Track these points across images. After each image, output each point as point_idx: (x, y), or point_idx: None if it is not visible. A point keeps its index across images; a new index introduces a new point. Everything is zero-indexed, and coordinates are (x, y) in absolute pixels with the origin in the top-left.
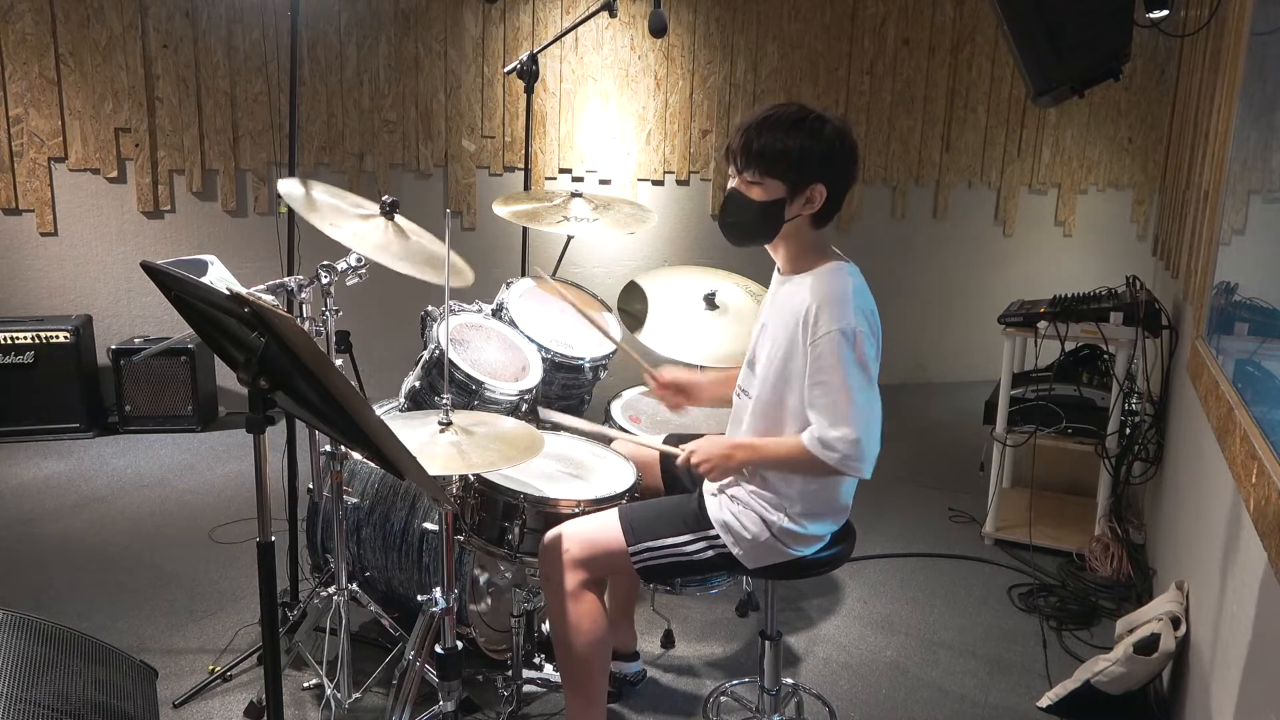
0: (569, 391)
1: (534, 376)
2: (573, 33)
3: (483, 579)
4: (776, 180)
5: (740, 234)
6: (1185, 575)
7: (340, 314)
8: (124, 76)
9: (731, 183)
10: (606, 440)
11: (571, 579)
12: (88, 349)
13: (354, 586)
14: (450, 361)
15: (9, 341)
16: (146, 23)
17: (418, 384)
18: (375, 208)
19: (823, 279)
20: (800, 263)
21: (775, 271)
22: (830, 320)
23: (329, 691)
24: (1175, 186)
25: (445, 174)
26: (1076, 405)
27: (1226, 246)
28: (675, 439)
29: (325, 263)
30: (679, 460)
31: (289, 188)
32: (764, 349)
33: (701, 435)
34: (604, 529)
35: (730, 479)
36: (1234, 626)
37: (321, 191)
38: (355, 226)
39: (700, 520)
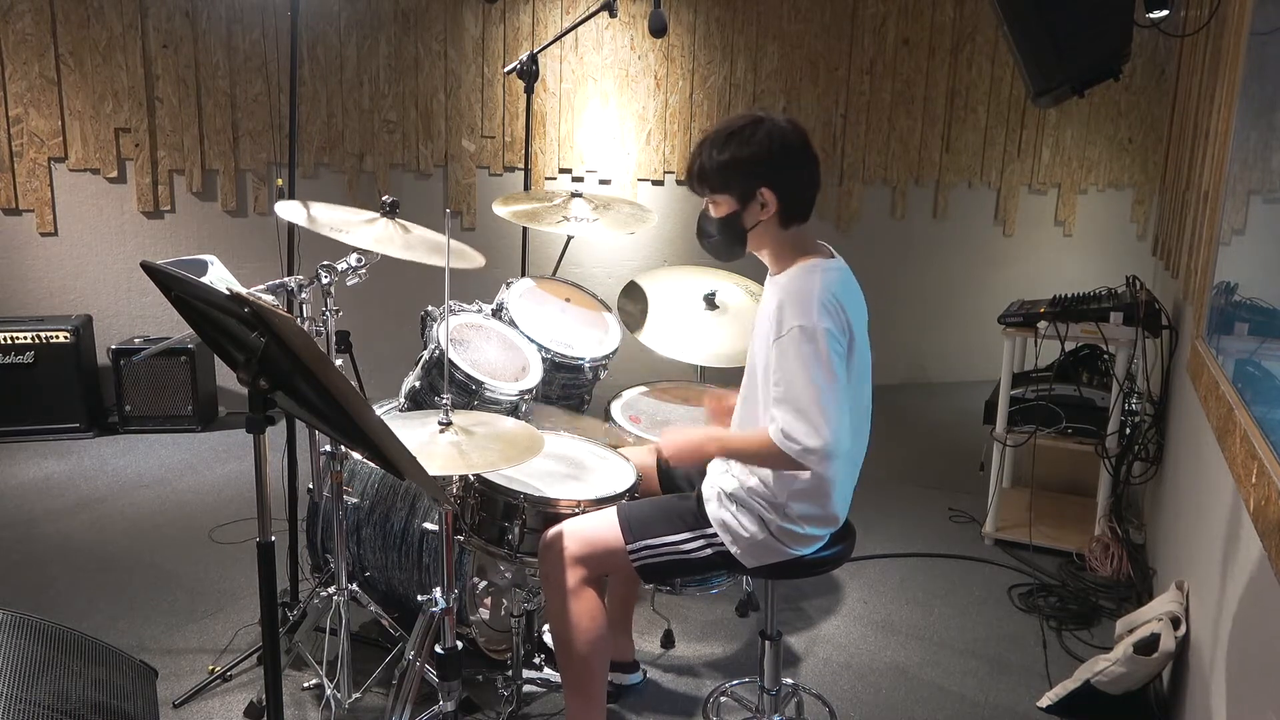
0: (569, 391)
1: (534, 376)
2: (573, 33)
3: (479, 612)
4: (724, 195)
5: (714, 250)
6: (1185, 575)
7: (340, 314)
8: (124, 76)
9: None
10: (606, 432)
11: (571, 577)
12: (88, 349)
13: (354, 586)
14: (450, 361)
15: (9, 341)
16: (146, 23)
17: (418, 384)
18: (374, 214)
19: (792, 277)
20: (782, 262)
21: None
22: (792, 317)
23: (329, 691)
24: (1175, 186)
25: (445, 174)
26: (1076, 405)
27: (1226, 246)
28: None
29: (325, 263)
30: (662, 461)
31: (288, 210)
32: (753, 347)
33: None
34: (603, 527)
35: (730, 479)
36: (1234, 626)
37: (320, 208)
38: (359, 230)
39: (699, 519)
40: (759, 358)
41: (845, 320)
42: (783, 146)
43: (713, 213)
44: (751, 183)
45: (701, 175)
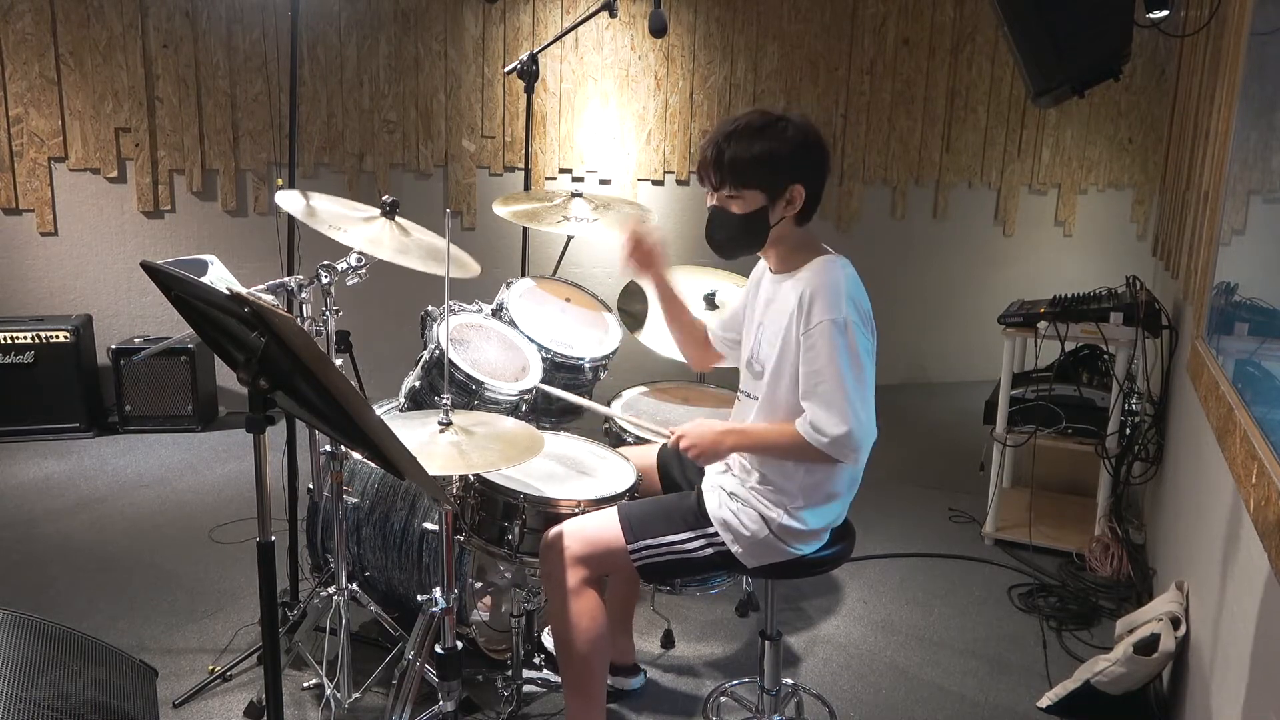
0: (569, 391)
1: (534, 376)
2: (573, 33)
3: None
4: (754, 190)
5: (731, 248)
6: (1185, 575)
7: (340, 314)
8: (124, 76)
9: (710, 200)
10: (606, 431)
11: (573, 576)
12: (88, 349)
13: (354, 586)
14: (450, 361)
15: (9, 341)
16: (146, 23)
17: (418, 384)
18: (375, 210)
19: (815, 272)
20: (791, 261)
21: (765, 270)
22: (822, 310)
23: (329, 691)
24: (1175, 186)
25: (445, 174)
26: (1076, 405)
27: (1226, 246)
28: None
29: (325, 263)
30: (669, 442)
31: (288, 200)
32: (764, 349)
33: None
34: (604, 527)
35: (731, 479)
36: (1234, 626)
37: (320, 200)
38: (358, 229)
39: (700, 518)
40: (768, 353)
41: (866, 314)
42: (813, 144)
43: (734, 208)
44: (784, 179)
45: (734, 168)
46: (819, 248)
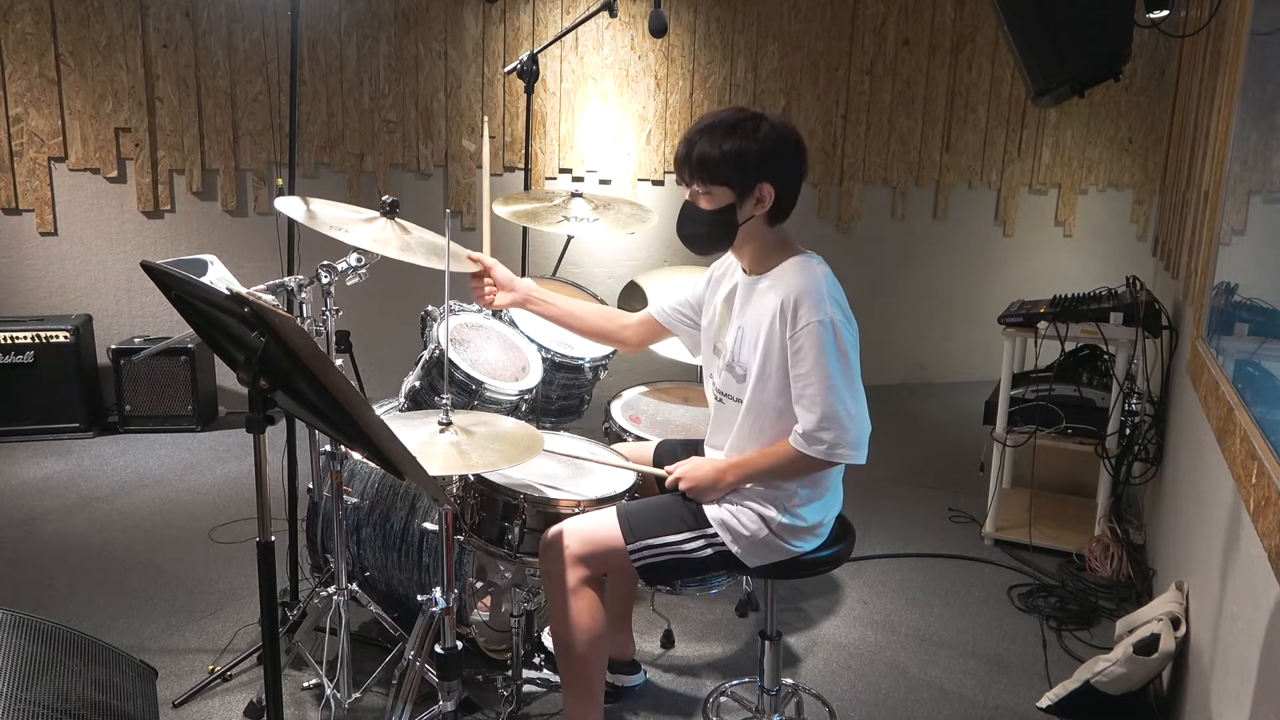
0: (569, 391)
1: (534, 376)
2: (573, 33)
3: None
4: (722, 187)
5: (699, 244)
6: (1185, 575)
7: (340, 314)
8: (124, 76)
9: (686, 195)
10: (605, 431)
11: (572, 575)
12: (88, 349)
13: (354, 586)
14: (450, 361)
15: (9, 341)
16: (146, 22)
17: (418, 384)
18: (375, 213)
19: (793, 273)
20: (766, 261)
21: (728, 267)
22: (808, 312)
23: (329, 691)
24: (1175, 186)
25: (445, 174)
26: (1076, 405)
27: (1226, 246)
28: (670, 445)
29: (325, 263)
30: (667, 482)
31: (288, 206)
32: (745, 352)
33: (694, 440)
34: (603, 526)
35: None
36: (1234, 626)
37: (320, 205)
38: (359, 230)
39: (698, 518)
40: (750, 356)
41: (849, 310)
42: (788, 144)
43: (703, 204)
44: (752, 177)
45: (702, 164)
46: (792, 247)
